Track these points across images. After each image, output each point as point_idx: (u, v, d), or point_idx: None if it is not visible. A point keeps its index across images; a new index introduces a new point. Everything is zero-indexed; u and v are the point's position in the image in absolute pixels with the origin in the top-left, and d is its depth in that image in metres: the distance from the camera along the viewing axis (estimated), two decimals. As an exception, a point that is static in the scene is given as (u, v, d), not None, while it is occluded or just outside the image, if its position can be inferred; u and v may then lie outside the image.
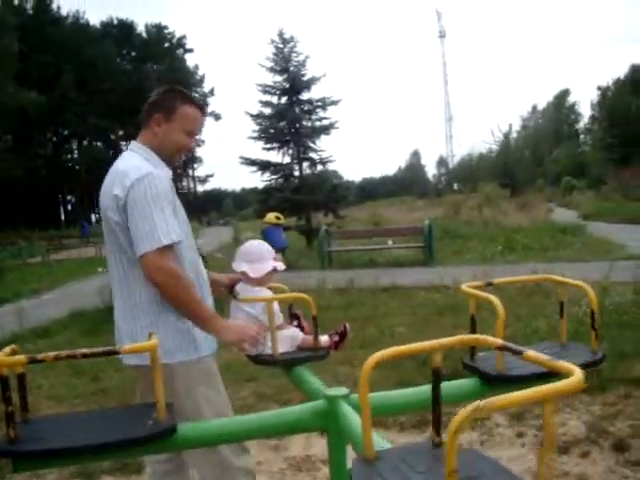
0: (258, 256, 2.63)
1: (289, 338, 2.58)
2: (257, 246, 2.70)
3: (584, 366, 2.06)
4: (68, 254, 27.84)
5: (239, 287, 2.65)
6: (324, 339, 2.63)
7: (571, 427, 4.02)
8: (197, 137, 2.62)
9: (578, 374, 1.18)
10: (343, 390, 2.12)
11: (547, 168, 57.78)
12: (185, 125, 2.46)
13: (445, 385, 2.26)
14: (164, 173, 2.39)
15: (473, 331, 2.22)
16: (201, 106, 2.57)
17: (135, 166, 2.32)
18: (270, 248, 2.71)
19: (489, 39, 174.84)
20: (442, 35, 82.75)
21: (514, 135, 52.86)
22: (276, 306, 2.56)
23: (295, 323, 2.74)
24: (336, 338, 2.68)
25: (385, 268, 13.07)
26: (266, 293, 2.59)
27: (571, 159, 55.55)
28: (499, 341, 1.57)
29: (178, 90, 2.52)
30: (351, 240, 16.13)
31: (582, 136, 69.28)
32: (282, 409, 2.28)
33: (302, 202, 18.08)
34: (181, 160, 2.65)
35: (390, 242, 14.52)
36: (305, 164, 19.57)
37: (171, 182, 2.45)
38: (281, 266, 2.66)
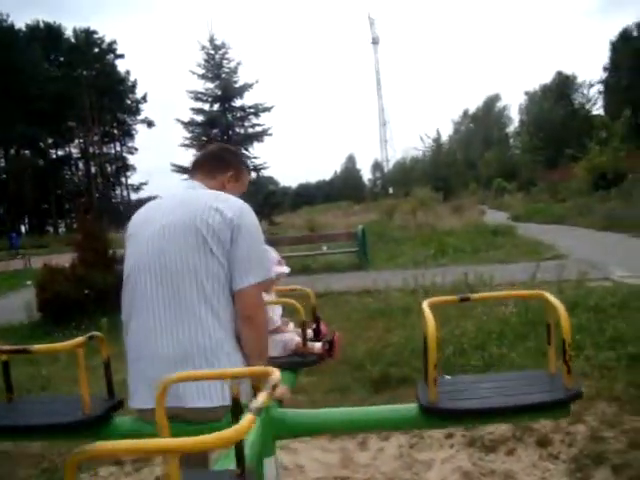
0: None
1: (282, 342, 2.65)
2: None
3: (552, 404, 1.98)
4: (-6, 267, 26.83)
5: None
6: (317, 346, 2.71)
7: (498, 427, 4.08)
8: None
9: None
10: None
11: (479, 171, 59.19)
12: (243, 190, 2.61)
13: (385, 409, 2.31)
14: None
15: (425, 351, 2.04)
16: None
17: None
18: (274, 254, 2.76)
19: (422, 44, 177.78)
20: (375, 42, 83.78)
21: (445, 140, 53.94)
22: (277, 311, 2.74)
23: (314, 326, 2.91)
24: (326, 346, 2.75)
25: (320, 274, 13.07)
26: (268, 298, 2.61)
27: (502, 162, 57.07)
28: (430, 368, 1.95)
29: (240, 154, 2.79)
30: (286, 247, 16.10)
31: (512, 139, 71.21)
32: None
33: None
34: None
35: (325, 248, 14.54)
36: (239, 171, 19.43)
37: None
38: (285, 270, 2.76)
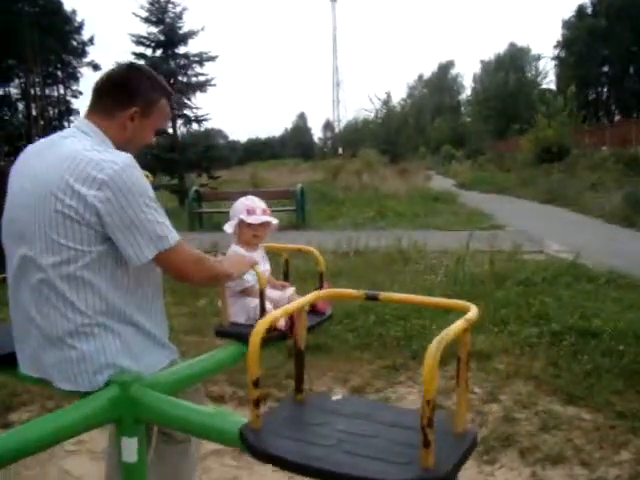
0: (237, 212, 2.47)
1: (251, 308, 2.37)
2: (238, 202, 2.51)
3: None
4: None
5: (230, 250, 2.48)
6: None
7: (409, 402, 3.90)
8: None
9: None
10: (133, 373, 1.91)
11: (429, 137, 59.34)
12: (159, 122, 2.14)
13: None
14: None
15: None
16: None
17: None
18: (259, 203, 2.50)
19: (381, 5, 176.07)
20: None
21: (395, 103, 53.61)
22: (265, 266, 2.53)
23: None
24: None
25: (257, 231, 12.76)
26: (251, 255, 2.41)
27: (452, 129, 57.33)
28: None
29: (154, 77, 2.09)
30: (224, 202, 15.68)
31: (463, 107, 71.49)
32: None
33: (174, 161, 17.35)
34: None
35: (262, 205, 14.18)
36: (179, 121, 18.77)
37: None
38: (271, 220, 2.49)
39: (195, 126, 18.97)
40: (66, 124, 66.61)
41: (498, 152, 37.92)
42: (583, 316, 5.18)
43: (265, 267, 2.50)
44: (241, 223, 2.44)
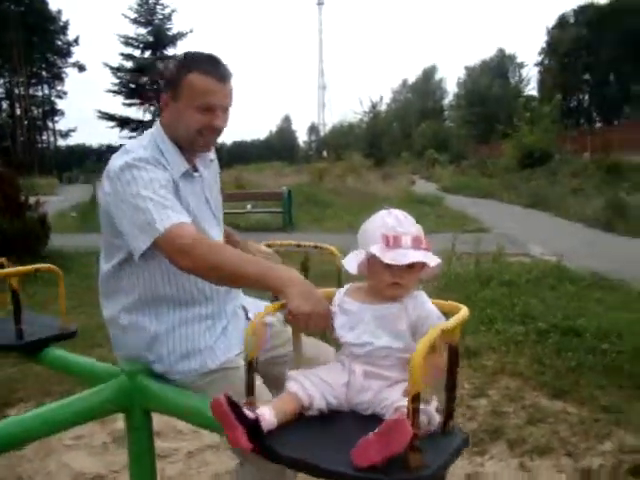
0: (367, 237, 1.58)
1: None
2: (373, 220, 1.63)
3: None
4: None
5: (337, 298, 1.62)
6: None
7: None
8: (222, 111, 1.94)
9: None
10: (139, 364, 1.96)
11: (413, 141, 59.62)
12: (193, 100, 1.87)
13: None
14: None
15: None
16: (214, 69, 1.89)
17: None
18: (409, 226, 1.59)
19: (367, 10, 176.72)
20: (320, 2, 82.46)
21: (384, 107, 54.03)
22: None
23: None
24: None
25: (245, 233, 12.83)
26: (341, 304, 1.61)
27: (436, 133, 57.64)
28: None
29: (184, 56, 1.93)
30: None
31: (447, 112, 71.94)
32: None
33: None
34: (214, 143, 2.02)
35: (249, 206, 14.28)
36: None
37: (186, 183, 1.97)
38: (422, 261, 1.52)
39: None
40: (50, 124, 66.15)
41: (481, 157, 38.21)
42: (567, 316, 5.34)
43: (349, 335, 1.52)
44: (372, 259, 1.50)
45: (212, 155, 2.14)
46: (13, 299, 2.36)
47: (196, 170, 2.03)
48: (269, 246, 2.41)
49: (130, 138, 18.73)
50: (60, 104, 63.26)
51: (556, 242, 10.22)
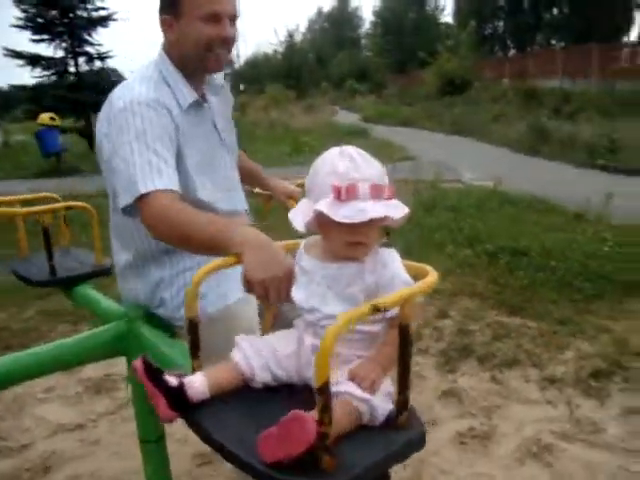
0: (316, 188, 1.28)
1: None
2: (321, 162, 1.30)
3: None
4: None
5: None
6: None
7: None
8: (230, 19, 1.78)
9: None
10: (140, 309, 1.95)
11: (331, 71, 59.10)
12: (198, 9, 1.72)
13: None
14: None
15: None
16: None
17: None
18: (369, 168, 1.26)
19: None
20: None
21: (299, 37, 53.06)
22: None
23: None
24: None
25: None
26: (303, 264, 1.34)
27: (354, 63, 57.27)
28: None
29: None
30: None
31: (364, 41, 71.39)
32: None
33: (81, 101, 16.52)
34: (226, 60, 1.83)
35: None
36: (81, 59, 17.72)
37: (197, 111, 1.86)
38: (385, 215, 1.21)
39: (98, 64, 18.02)
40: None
41: (401, 86, 38.41)
42: (512, 237, 5.58)
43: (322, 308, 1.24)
44: (321, 217, 1.20)
45: (221, 80, 2.02)
46: (44, 236, 2.43)
47: (205, 100, 1.95)
48: (300, 185, 2.21)
49: (42, 78, 17.70)
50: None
51: (486, 167, 10.51)
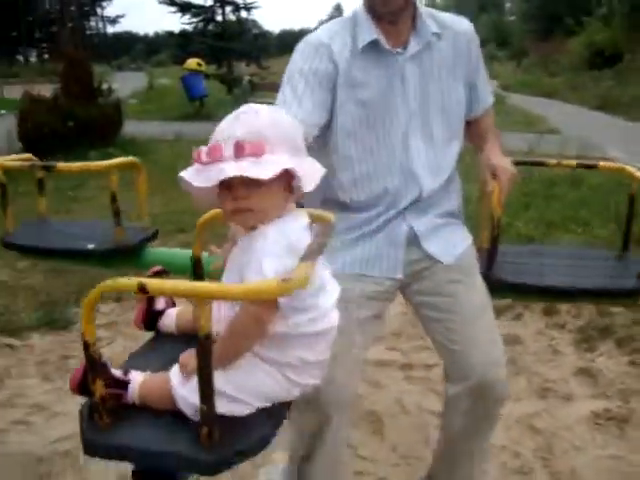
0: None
1: None
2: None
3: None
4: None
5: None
6: None
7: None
8: None
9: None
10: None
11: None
12: None
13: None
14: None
15: None
16: None
17: None
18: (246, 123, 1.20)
19: None
20: None
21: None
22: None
23: None
24: None
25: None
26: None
27: (496, 27, 55.12)
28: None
29: None
30: (274, 92, 15.55)
31: (508, 5, 68.45)
32: None
33: (224, 49, 17.04)
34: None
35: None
36: (228, 8, 18.22)
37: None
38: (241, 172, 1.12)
39: (244, 14, 18.45)
40: (99, 10, 64.95)
41: (543, 54, 36.56)
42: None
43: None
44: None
45: (435, 28, 1.77)
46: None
47: (403, 46, 1.76)
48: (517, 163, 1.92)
49: (190, 25, 18.34)
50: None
51: (633, 148, 9.88)
